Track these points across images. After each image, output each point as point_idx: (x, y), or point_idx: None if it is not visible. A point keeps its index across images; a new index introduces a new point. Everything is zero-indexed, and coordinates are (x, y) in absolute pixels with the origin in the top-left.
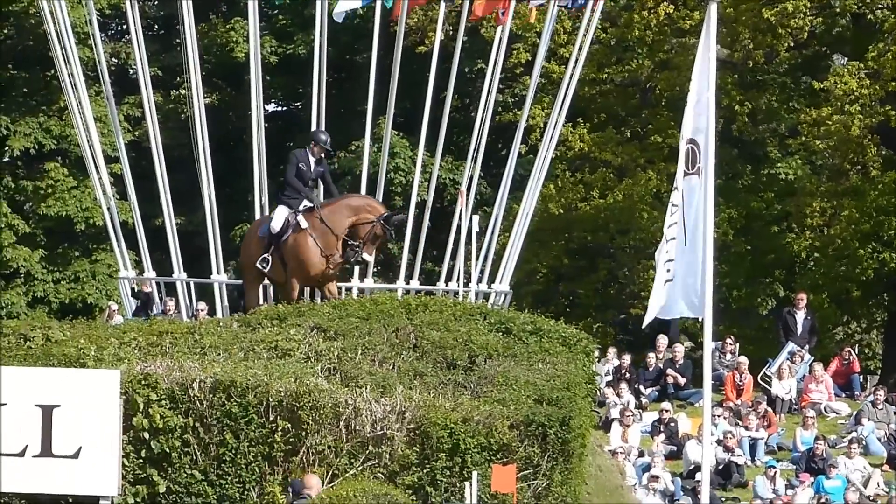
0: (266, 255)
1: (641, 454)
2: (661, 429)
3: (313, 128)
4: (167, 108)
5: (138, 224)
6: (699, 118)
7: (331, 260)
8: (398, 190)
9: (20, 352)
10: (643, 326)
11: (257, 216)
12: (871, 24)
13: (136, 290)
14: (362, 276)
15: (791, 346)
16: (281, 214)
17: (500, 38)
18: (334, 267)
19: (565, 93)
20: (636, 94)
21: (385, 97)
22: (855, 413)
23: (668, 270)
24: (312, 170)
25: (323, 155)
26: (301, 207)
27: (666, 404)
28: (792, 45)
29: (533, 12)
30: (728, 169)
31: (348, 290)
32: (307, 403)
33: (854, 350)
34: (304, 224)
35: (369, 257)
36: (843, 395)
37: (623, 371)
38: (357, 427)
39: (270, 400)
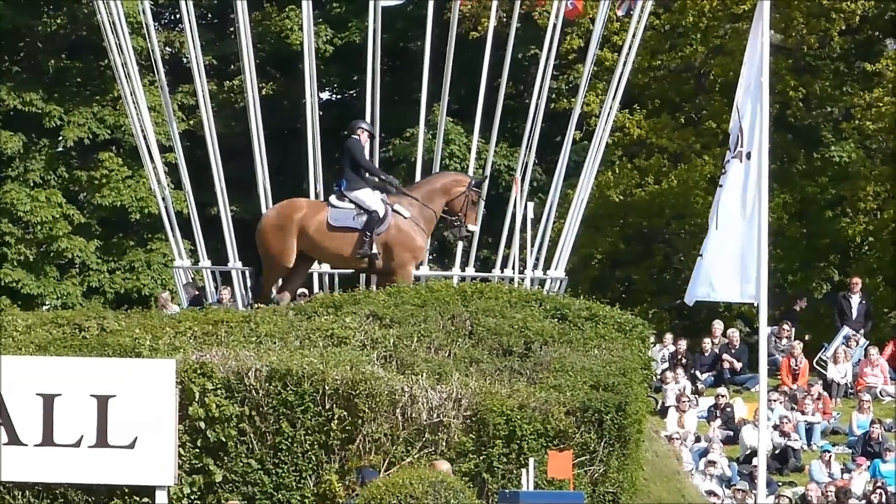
0: (368, 243)
1: (698, 439)
2: (718, 414)
3: (367, 116)
4: (221, 97)
5: (193, 213)
6: (750, 103)
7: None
8: None
9: (75, 342)
10: (686, 300)
11: None
12: None
13: (188, 292)
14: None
15: (846, 330)
16: (375, 198)
17: (554, 25)
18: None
19: (619, 80)
20: (690, 80)
21: (439, 84)
22: None
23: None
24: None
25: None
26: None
27: (722, 389)
28: (844, 28)
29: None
30: (782, 153)
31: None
32: (363, 391)
33: None
34: (405, 212)
35: (475, 227)
36: None
37: (679, 356)
38: (413, 414)
39: (326, 388)
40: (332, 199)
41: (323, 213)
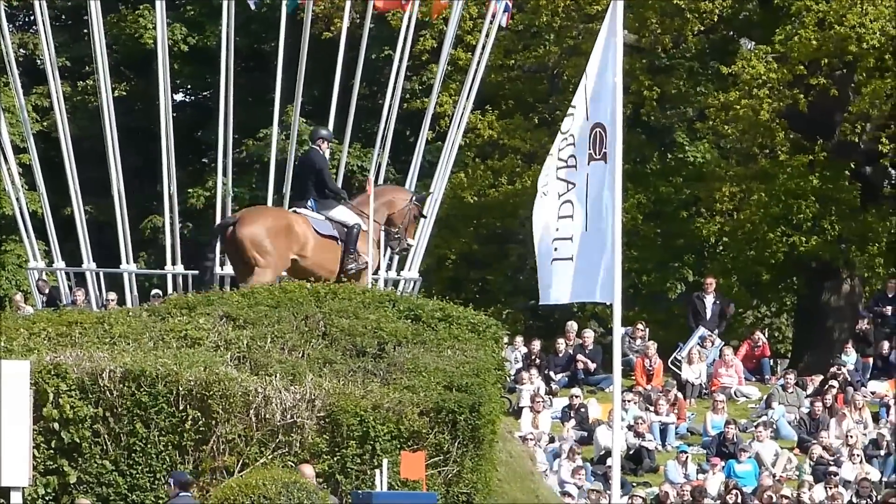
0: (355, 257)
1: (552, 440)
2: (572, 414)
3: (221, 117)
4: (76, 98)
5: (47, 214)
6: (606, 103)
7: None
8: None
9: None
10: (539, 303)
11: (166, 206)
12: (778, 8)
13: (40, 289)
14: None
15: (701, 330)
16: (351, 213)
17: (407, 26)
18: None
19: (472, 79)
20: (544, 81)
21: (293, 85)
22: (765, 397)
23: (556, 249)
24: None
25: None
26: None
27: (576, 390)
28: (700, 29)
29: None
30: (636, 154)
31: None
32: (217, 392)
33: (764, 334)
34: (363, 225)
35: (412, 241)
36: (754, 379)
37: (533, 357)
38: (267, 415)
39: (180, 389)
40: (301, 210)
41: (308, 222)
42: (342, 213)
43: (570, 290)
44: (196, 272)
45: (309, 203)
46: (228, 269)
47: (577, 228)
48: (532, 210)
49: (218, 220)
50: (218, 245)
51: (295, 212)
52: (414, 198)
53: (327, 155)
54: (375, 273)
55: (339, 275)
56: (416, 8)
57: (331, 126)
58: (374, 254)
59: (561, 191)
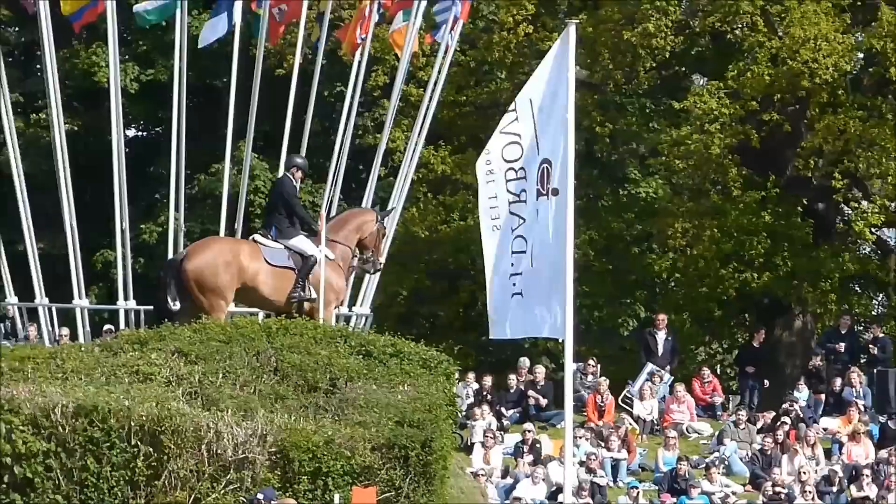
0: (302, 287)
1: (504, 475)
2: (526, 450)
3: (173, 152)
4: (28, 133)
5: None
6: (555, 139)
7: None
8: (258, 212)
9: None
10: (490, 338)
11: (118, 241)
12: (730, 44)
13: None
14: None
15: (650, 366)
16: (310, 243)
17: (360, 62)
18: None
19: (424, 115)
20: (496, 116)
21: (245, 120)
22: (717, 433)
23: (514, 284)
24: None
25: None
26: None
27: (528, 425)
28: (653, 65)
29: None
30: (589, 189)
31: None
32: (169, 427)
33: (716, 370)
34: (331, 255)
35: (383, 260)
36: (706, 415)
37: (484, 393)
38: (219, 451)
39: (132, 424)
40: (258, 238)
41: (258, 251)
42: (302, 242)
43: (522, 326)
44: (150, 307)
45: (271, 232)
46: None
47: (526, 264)
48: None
49: (170, 255)
50: (172, 281)
51: (253, 239)
52: (380, 217)
53: (298, 184)
54: (340, 305)
55: (287, 305)
56: (367, 45)
57: (282, 161)
58: (341, 285)
59: (513, 225)
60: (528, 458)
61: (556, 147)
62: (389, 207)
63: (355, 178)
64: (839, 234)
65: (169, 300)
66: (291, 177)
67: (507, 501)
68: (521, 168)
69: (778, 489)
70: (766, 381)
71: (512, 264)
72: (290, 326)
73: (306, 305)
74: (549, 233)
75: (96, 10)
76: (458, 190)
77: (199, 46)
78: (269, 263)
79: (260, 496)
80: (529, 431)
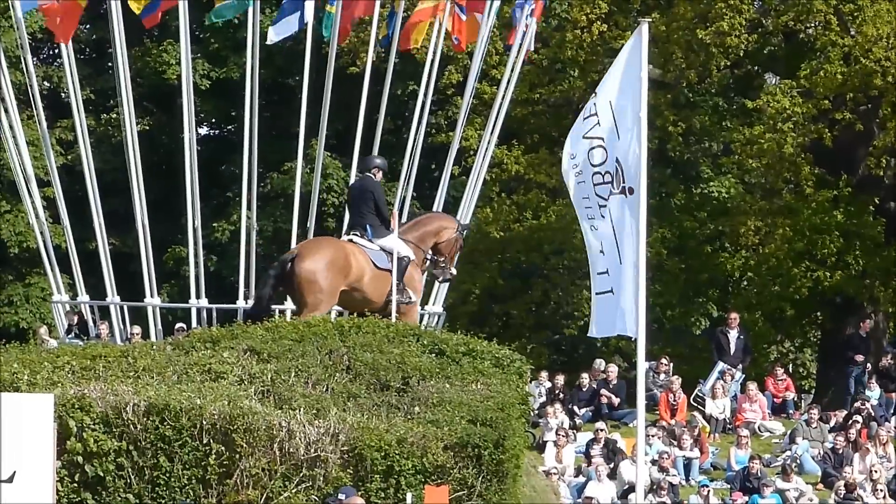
0: (401, 288)
1: (577, 474)
2: (598, 448)
3: (245, 151)
4: (100, 131)
5: (71, 248)
6: (626, 139)
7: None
8: (331, 211)
9: None
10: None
11: (190, 239)
12: (803, 43)
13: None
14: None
15: (721, 365)
16: (402, 244)
17: (432, 60)
18: None
19: (497, 113)
20: (569, 115)
21: (317, 119)
22: (789, 432)
23: (598, 283)
24: None
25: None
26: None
27: (601, 424)
28: (726, 64)
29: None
30: (661, 188)
31: (282, 311)
32: (241, 426)
33: (788, 369)
34: (411, 254)
35: (455, 271)
36: (778, 413)
37: (557, 391)
38: (291, 449)
39: (204, 423)
40: (357, 239)
41: (366, 254)
42: (394, 242)
43: (612, 323)
44: (222, 306)
45: (367, 233)
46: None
47: (611, 262)
48: (560, 243)
49: (242, 253)
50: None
51: (351, 241)
52: (460, 227)
53: (380, 181)
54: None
55: (383, 306)
56: (440, 42)
57: (355, 160)
58: (421, 285)
59: (602, 226)
60: (601, 456)
61: (627, 146)
62: (467, 221)
63: (428, 178)
64: None
65: (272, 299)
66: (373, 176)
67: (580, 500)
68: (607, 172)
69: (849, 488)
70: (868, 366)
71: (599, 263)
72: (362, 325)
73: (402, 307)
74: (622, 231)
75: (167, 6)
76: (530, 189)
77: (268, 43)
78: (376, 266)
79: (342, 496)
80: (602, 430)
